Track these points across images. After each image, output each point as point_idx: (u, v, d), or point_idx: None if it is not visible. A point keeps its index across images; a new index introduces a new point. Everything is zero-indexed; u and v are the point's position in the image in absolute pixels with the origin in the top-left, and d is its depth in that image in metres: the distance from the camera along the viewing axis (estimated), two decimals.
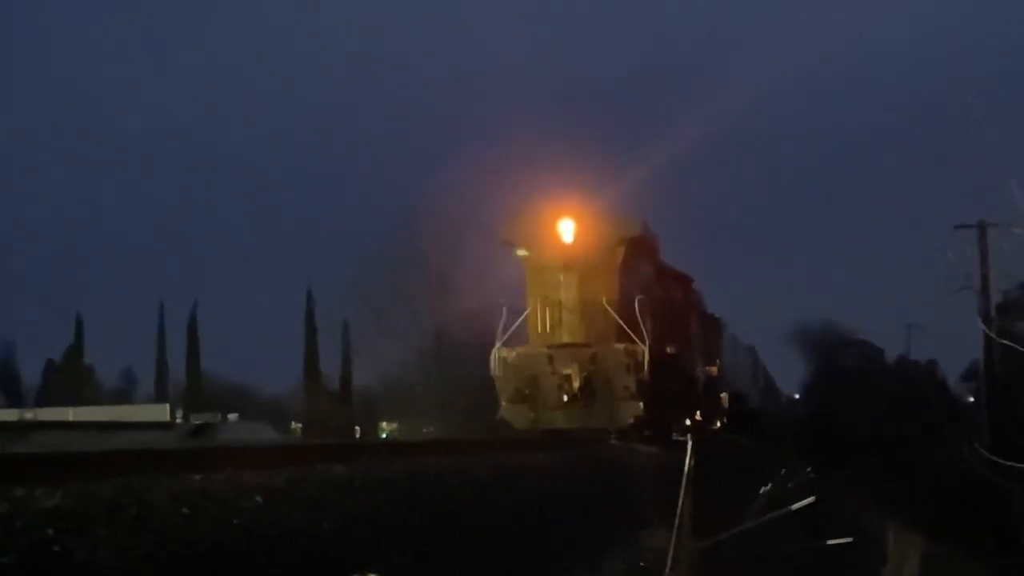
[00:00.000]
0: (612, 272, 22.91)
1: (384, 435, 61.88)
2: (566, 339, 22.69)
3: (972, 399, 50.56)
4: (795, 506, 26.91)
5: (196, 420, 62.02)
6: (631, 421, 22.53)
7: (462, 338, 50.42)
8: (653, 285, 25.27)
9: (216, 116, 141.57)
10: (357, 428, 63.51)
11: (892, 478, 36.91)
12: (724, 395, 34.91)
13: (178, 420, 67.43)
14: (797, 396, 67.77)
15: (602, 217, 23.56)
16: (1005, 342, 24.65)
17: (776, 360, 62.80)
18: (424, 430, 52.55)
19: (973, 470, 26.90)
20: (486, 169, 51.92)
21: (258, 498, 8.75)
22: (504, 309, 23.38)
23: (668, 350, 24.74)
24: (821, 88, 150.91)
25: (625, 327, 22.34)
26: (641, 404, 22.25)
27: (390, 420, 65.65)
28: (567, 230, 22.78)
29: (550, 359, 22.52)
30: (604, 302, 22.55)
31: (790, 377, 69.08)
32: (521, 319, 23.26)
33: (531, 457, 17.03)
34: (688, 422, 27.80)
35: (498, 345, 22.84)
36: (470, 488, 12.83)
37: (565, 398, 22.22)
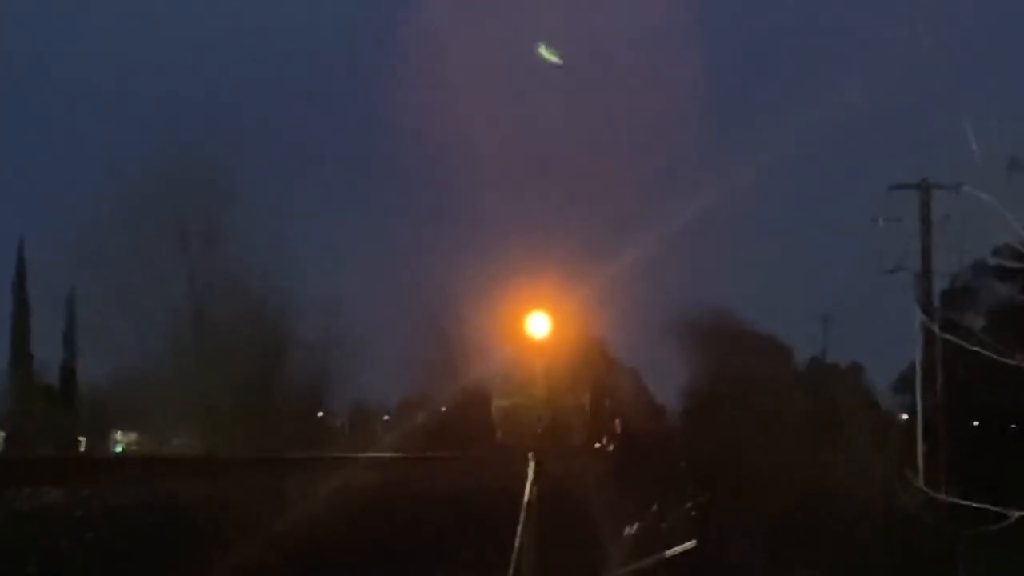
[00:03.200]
0: (568, 355, 42.54)
1: (118, 449, 61.05)
2: (538, 394, 41.38)
3: (906, 416, 51.71)
4: (670, 552, 27.23)
5: None
6: (577, 443, 45.84)
7: (234, 324, 50.14)
8: (588, 356, 48.36)
9: None
10: (82, 439, 62.52)
11: (799, 518, 37.56)
12: (617, 421, 57.31)
13: None
14: (682, 409, 68.19)
15: (564, 316, 40.55)
16: (949, 338, 24.68)
17: (661, 365, 63.50)
18: (174, 442, 51.99)
19: (905, 509, 27.31)
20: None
21: None
22: (496, 375, 46.19)
23: (589, 397, 48.57)
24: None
25: (573, 387, 45.44)
26: (584, 433, 47.60)
27: (126, 430, 64.71)
28: (539, 326, 38.34)
29: (529, 406, 41.27)
30: (562, 372, 42.76)
31: (674, 386, 69.57)
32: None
33: (319, 479, 16.87)
34: (597, 445, 53.21)
35: (495, 397, 44.79)
36: (231, 520, 12.65)
37: (539, 430, 40.49)
